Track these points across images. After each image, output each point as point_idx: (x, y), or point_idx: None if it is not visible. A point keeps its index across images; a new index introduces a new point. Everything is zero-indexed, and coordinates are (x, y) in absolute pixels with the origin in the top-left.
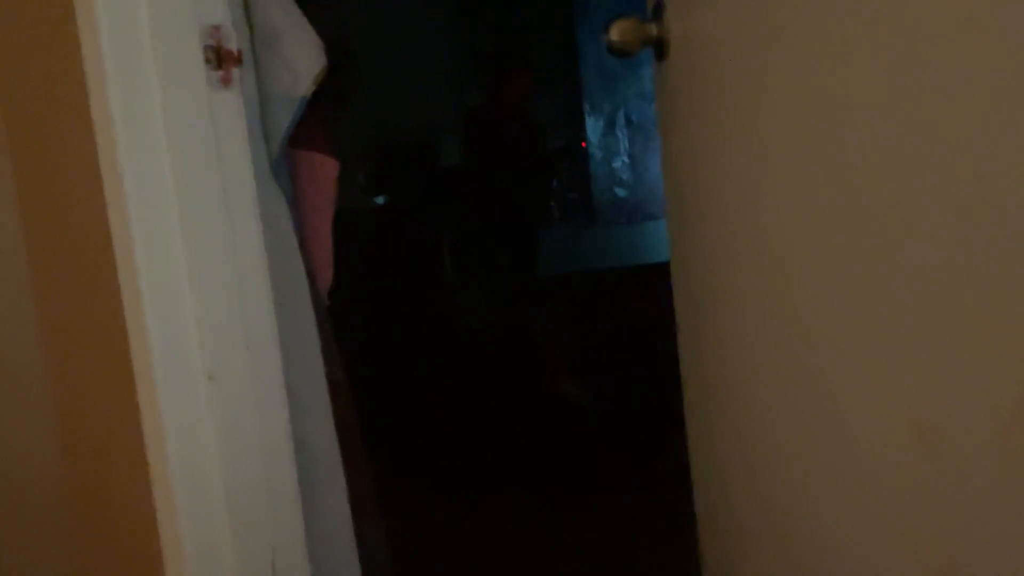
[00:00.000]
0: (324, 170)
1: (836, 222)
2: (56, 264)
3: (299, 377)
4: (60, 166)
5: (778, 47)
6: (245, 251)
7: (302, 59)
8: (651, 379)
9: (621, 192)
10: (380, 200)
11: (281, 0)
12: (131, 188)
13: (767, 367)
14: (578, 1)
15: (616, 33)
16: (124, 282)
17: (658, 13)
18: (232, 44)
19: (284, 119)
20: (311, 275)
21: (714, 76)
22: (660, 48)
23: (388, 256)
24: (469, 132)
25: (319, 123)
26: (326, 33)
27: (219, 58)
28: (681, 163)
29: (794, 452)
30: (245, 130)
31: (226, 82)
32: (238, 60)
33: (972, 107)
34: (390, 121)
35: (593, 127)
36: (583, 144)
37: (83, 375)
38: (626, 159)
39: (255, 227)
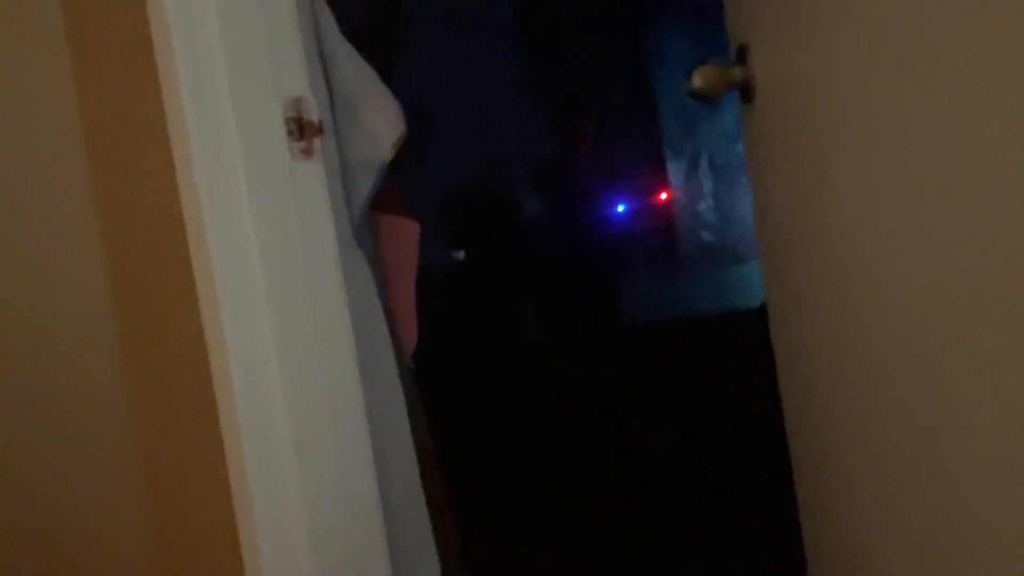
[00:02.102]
0: (405, 232)
1: (955, 265)
2: (145, 337)
3: (386, 444)
4: (148, 238)
5: (878, 84)
6: (330, 319)
7: (382, 125)
8: (747, 434)
9: (707, 236)
10: (460, 256)
11: (359, 66)
12: (216, 260)
13: (882, 435)
14: (651, 43)
15: (699, 80)
16: (212, 353)
17: (742, 56)
18: (313, 115)
19: (365, 185)
20: (396, 338)
21: (808, 117)
22: (746, 92)
23: (471, 314)
24: (543, 185)
25: (398, 185)
26: (403, 94)
27: (301, 129)
28: (776, 208)
29: (919, 532)
30: (327, 199)
31: (308, 153)
32: (319, 131)
33: None
34: (467, 176)
35: (675, 171)
36: (660, 198)
37: (172, 446)
38: (711, 202)
39: (340, 296)
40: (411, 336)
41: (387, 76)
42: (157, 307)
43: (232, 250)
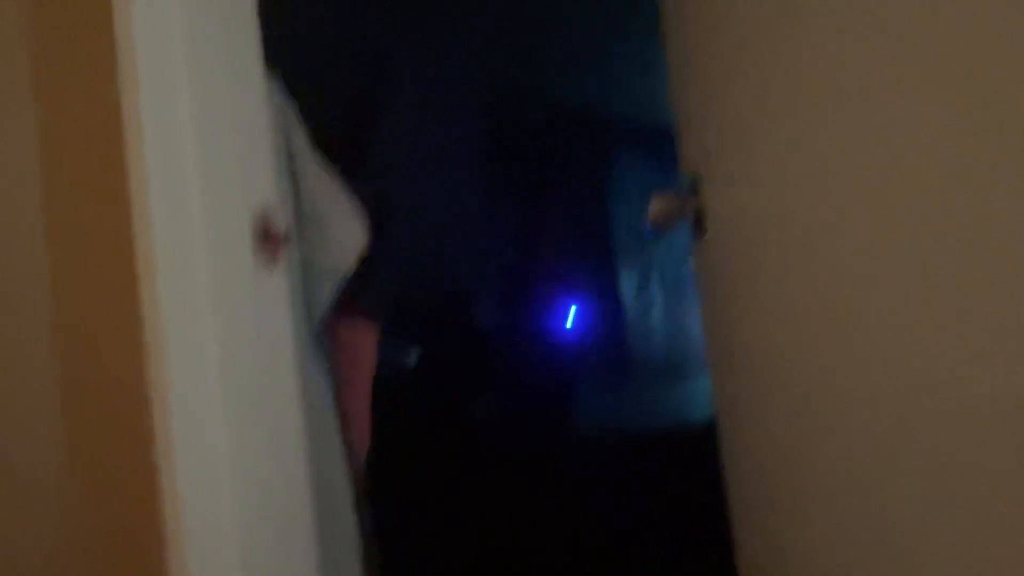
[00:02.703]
0: (363, 338)
1: (881, 388)
2: (95, 443)
3: (335, 551)
4: (108, 338)
5: (824, 220)
6: (284, 430)
7: (345, 238)
8: (700, 556)
9: (658, 351)
10: (413, 359)
11: (326, 180)
12: (175, 363)
13: (835, 552)
14: (609, 164)
15: (656, 209)
16: (163, 467)
17: (694, 188)
18: (280, 226)
19: (326, 293)
20: (348, 443)
21: (756, 249)
22: (698, 221)
23: (423, 417)
24: (499, 293)
25: (358, 292)
26: (367, 197)
27: (267, 239)
28: (725, 339)
29: None
30: (289, 308)
31: (272, 262)
32: (285, 240)
33: None
34: (427, 278)
35: (627, 285)
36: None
37: (112, 556)
38: (662, 316)
39: (294, 403)
40: (363, 438)
41: (353, 176)
42: (111, 409)
43: (191, 353)
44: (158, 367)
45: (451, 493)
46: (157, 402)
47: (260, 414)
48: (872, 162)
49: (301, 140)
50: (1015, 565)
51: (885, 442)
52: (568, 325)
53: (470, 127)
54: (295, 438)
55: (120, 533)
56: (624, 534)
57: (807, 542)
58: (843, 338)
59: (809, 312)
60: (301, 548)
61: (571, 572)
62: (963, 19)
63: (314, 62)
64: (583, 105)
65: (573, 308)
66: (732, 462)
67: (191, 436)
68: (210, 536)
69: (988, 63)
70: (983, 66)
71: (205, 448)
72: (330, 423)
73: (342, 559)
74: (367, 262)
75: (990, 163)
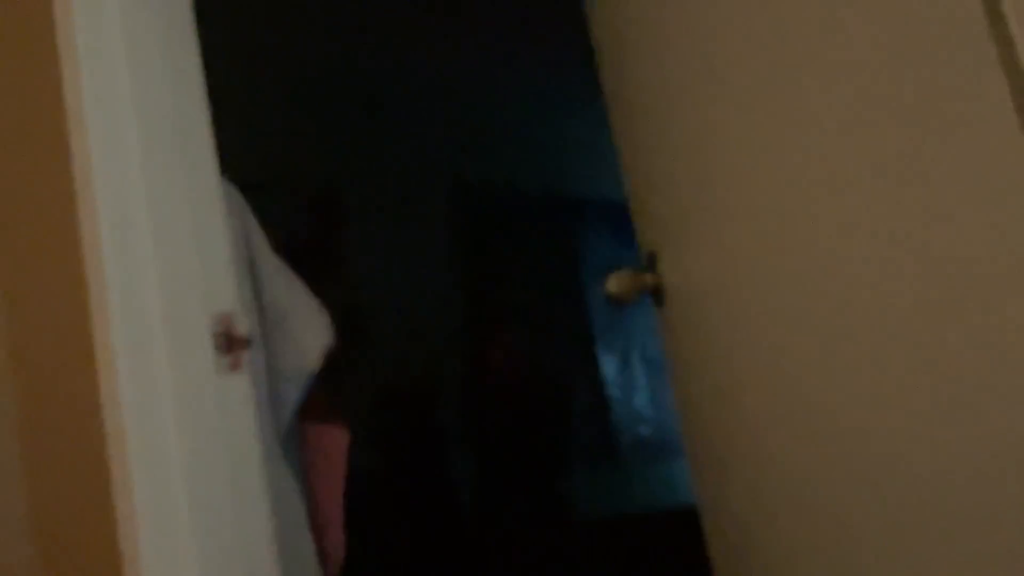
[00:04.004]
0: (334, 440)
1: (849, 451)
2: (61, 549)
3: None
4: (70, 450)
5: (770, 291)
6: (254, 537)
7: (309, 336)
8: None
9: (644, 430)
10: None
11: (288, 280)
12: (139, 477)
13: None
14: (580, 246)
15: (614, 285)
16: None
17: (652, 263)
18: (242, 330)
19: (293, 394)
20: (322, 551)
21: (712, 318)
22: (658, 295)
23: (403, 519)
24: (463, 393)
25: (328, 394)
26: (336, 302)
27: (228, 344)
28: (693, 403)
29: None
30: (253, 412)
31: (235, 367)
32: (246, 344)
33: None
34: (397, 381)
35: (608, 365)
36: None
37: None
38: (646, 395)
39: (263, 510)
40: (338, 545)
41: (322, 283)
42: (75, 523)
43: (155, 464)
44: (123, 480)
45: None
46: (122, 517)
47: (228, 523)
48: (806, 227)
49: (261, 242)
50: None
51: (849, 513)
52: (550, 413)
53: (436, 223)
54: (265, 547)
55: None
56: None
57: None
58: (787, 408)
59: (754, 381)
60: None
61: None
62: (883, 85)
63: (275, 170)
64: (552, 190)
65: (551, 396)
66: (713, 539)
67: (158, 548)
68: None
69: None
70: (908, 136)
71: (174, 563)
72: (302, 530)
73: None
74: (336, 363)
75: (932, 231)
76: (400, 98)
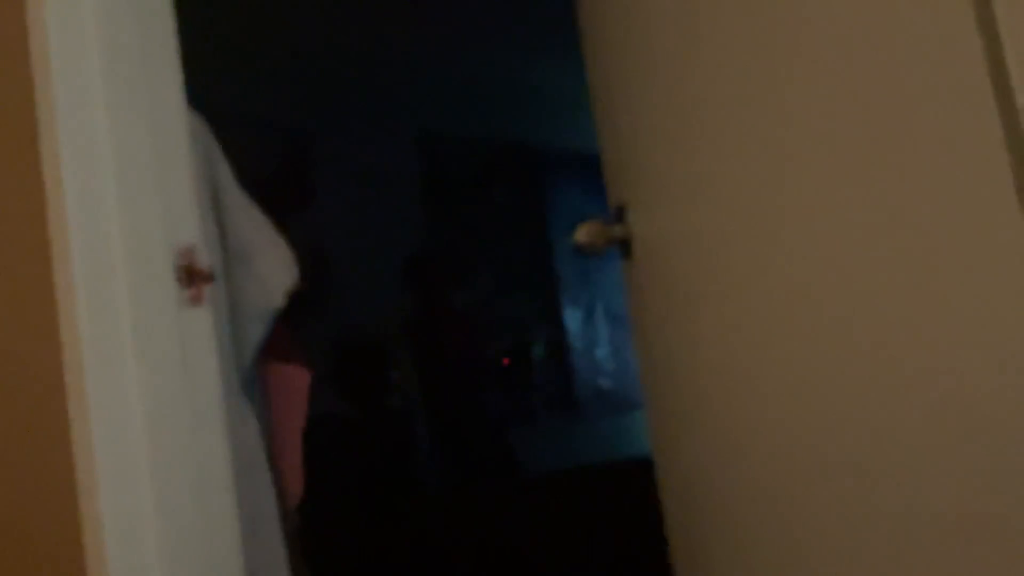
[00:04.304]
0: (295, 381)
1: (809, 402)
2: (14, 486)
3: None
4: (24, 380)
5: (737, 244)
6: (211, 471)
7: (273, 273)
8: None
9: (605, 382)
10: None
11: (253, 215)
12: (96, 407)
13: (760, 562)
14: (548, 197)
15: (583, 235)
16: (85, 510)
17: (620, 215)
18: (203, 263)
19: (256, 332)
20: (280, 490)
21: (678, 270)
22: (626, 247)
23: (359, 466)
24: (413, 338)
25: (290, 333)
26: (300, 242)
27: (190, 277)
28: (654, 354)
29: None
30: (215, 347)
31: (196, 300)
32: (209, 278)
33: None
34: (363, 328)
35: (572, 318)
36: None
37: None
38: (608, 348)
39: (222, 446)
40: (297, 485)
41: (288, 225)
42: (29, 452)
43: (113, 396)
44: (80, 410)
45: (390, 538)
46: (80, 448)
47: (186, 457)
48: (780, 187)
49: (227, 176)
50: None
51: (805, 467)
52: (509, 366)
53: (404, 169)
54: (223, 482)
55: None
56: (572, 569)
57: (736, 561)
58: (751, 358)
59: (717, 337)
60: None
61: None
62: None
63: (244, 106)
64: (520, 141)
65: (515, 347)
66: (666, 490)
67: (115, 482)
68: None
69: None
70: (888, 92)
71: (130, 493)
72: (261, 467)
73: None
74: (299, 302)
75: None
76: (370, 48)
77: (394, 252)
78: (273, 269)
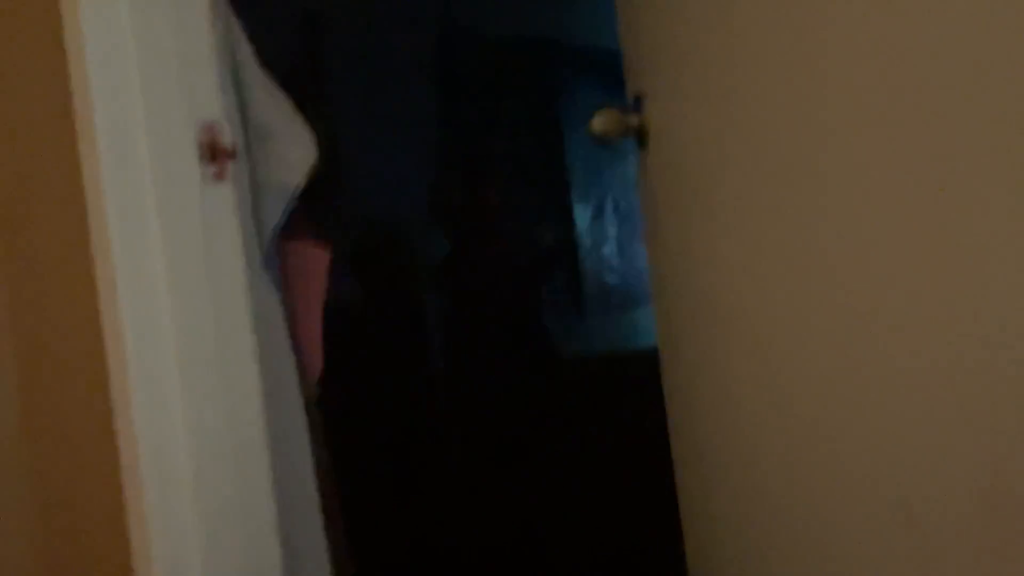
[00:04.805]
0: (314, 260)
1: (826, 299)
2: (43, 356)
3: (287, 472)
4: (51, 255)
5: (758, 134)
6: (235, 347)
7: (294, 151)
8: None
9: (612, 279)
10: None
11: (274, 94)
12: (122, 279)
13: (759, 455)
14: (561, 92)
15: (599, 124)
16: (114, 378)
17: (638, 105)
18: (226, 140)
19: (276, 210)
20: (300, 365)
21: (695, 161)
22: (641, 137)
23: (376, 347)
24: (451, 227)
25: (310, 214)
26: (316, 125)
27: (213, 153)
28: (665, 247)
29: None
30: (237, 224)
31: (219, 176)
32: (232, 155)
33: None
34: (373, 210)
35: (581, 215)
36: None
37: (67, 465)
38: (615, 246)
39: (245, 322)
40: (316, 362)
41: (302, 112)
42: (58, 324)
43: (138, 270)
44: (107, 290)
45: (405, 422)
46: (107, 318)
47: (210, 329)
48: (805, 91)
49: (247, 53)
50: None
51: (806, 360)
52: (523, 258)
53: (419, 60)
54: (247, 354)
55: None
56: (576, 462)
57: (737, 462)
58: (765, 254)
59: (736, 228)
60: (255, 472)
61: (522, 499)
62: None
63: None
64: (534, 34)
65: (526, 240)
66: (670, 381)
67: (142, 350)
68: (163, 456)
69: None
70: None
71: (156, 362)
72: (283, 345)
73: (296, 484)
74: (319, 182)
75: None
76: None
77: (409, 142)
78: (293, 148)
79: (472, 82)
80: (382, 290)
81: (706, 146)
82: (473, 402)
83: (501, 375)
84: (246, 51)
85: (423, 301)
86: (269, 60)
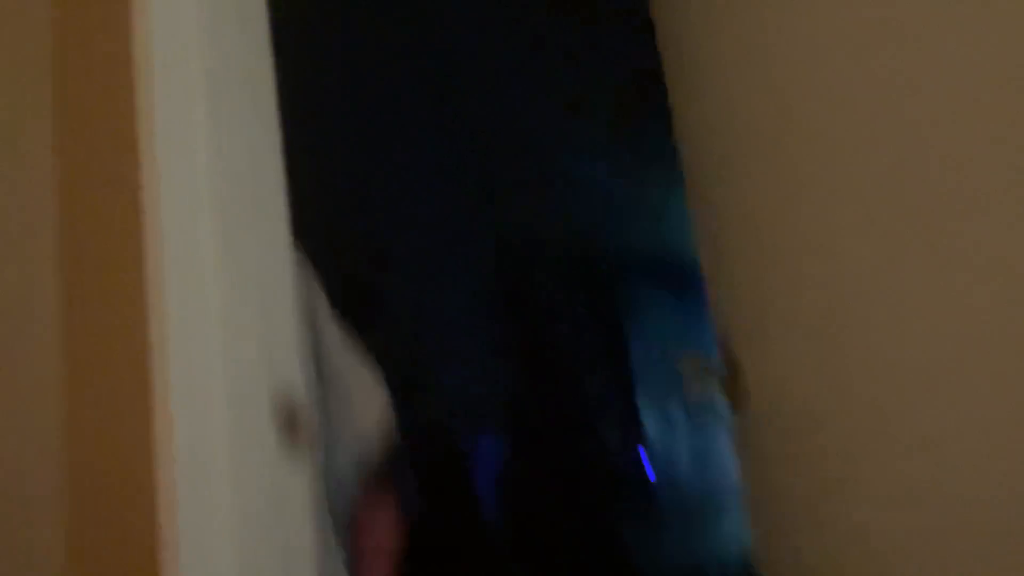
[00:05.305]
0: (386, 536)
1: None
2: None
3: None
4: (119, 531)
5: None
6: None
7: (370, 420)
8: None
9: (685, 484)
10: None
11: (350, 355)
12: (187, 552)
13: None
14: (622, 298)
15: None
16: None
17: (733, 369)
18: (304, 407)
19: (350, 483)
20: None
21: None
22: (733, 393)
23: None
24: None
25: (379, 473)
26: (379, 349)
27: (290, 421)
28: (766, 498)
29: None
30: (310, 495)
31: (295, 447)
32: (308, 423)
33: None
34: (438, 431)
35: (650, 419)
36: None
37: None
38: (688, 451)
39: None
40: None
41: (367, 329)
42: None
43: (207, 545)
44: (172, 560)
45: None
46: None
47: None
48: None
49: (324, 311)
50: None
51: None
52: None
53: (484, 275)
54: None
55: None
56: None
57: None
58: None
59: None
60: None
61: None
62: None
63: (329, 214)
64: (594, 242)
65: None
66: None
67: None
68: None
69: None
70: None
71: None
72: None
73: None
74: (389, 444)
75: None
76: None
77: (474, 355)
78: (370, 416)
79: (535, 291)
80: (446, 505)
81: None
82: None
83: None
84: (324, 310)
85: (486, 515)
86: (337, 289)
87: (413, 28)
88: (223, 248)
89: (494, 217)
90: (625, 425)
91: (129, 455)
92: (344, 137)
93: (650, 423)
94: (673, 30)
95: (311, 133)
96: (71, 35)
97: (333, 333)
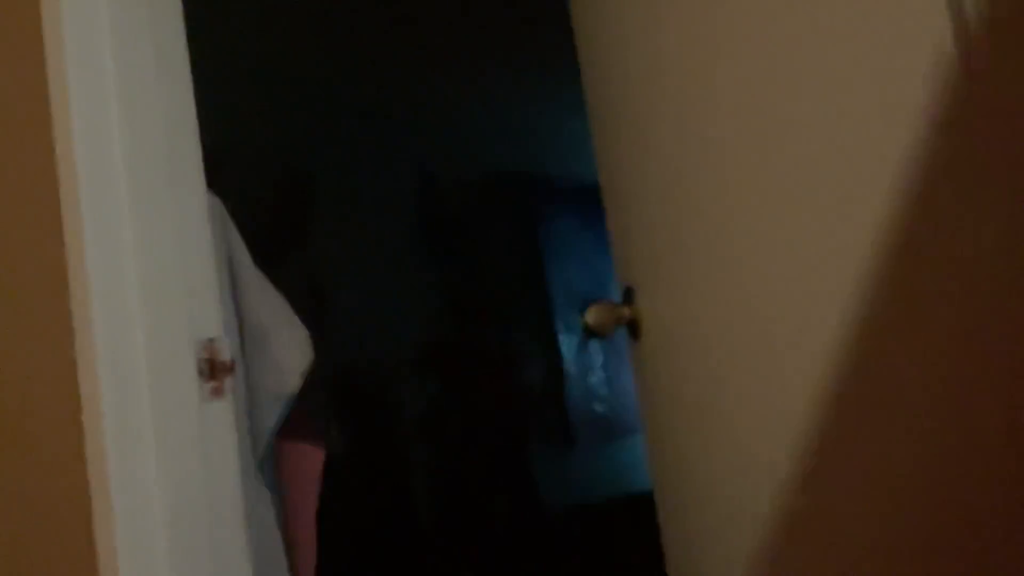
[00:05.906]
0: (309, 460)
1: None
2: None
3: None
4: (49, 482)
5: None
6: (230, 560)
7: (289, 357)
8: None
9: (599, 408)
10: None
11: (269, 296)
12: (119, 503)
13: None
14: (541, 226)
15: (592, 317)
16: None
17: (629, 297)
18: (225, 355)
19: (272, 417)
20: (294, 564)
21: (685, 353)
22: (633, 329)
23: (361, 498)
24: (436, 371)
25: (302, 409)
26: (301, 279)
27: (212, 369)
28: (663, 432)
29: None
30: (234, 438)
31: (217, 392)
32: (231, 370)
33: None
34: (357, 362)
35: (567, 345)
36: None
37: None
38: (602, 374)
39: (240, 535)
40: (311, 560)
41: (287, 258)
42: (56, 553)
43: (134, 488)
44: (103, 508)
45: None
46: (102, 548)
47: (206, 551)
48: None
49: (243, 257)
50: None
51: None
52: (510, 395)
53: (401, 200)
54: (242, 569)
55: None
56: None
57: None
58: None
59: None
60: None
61: None
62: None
63: (247, 150)
64: (513, 169)
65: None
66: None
67: (137, 567)
68: None
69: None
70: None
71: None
72: (278, 554)
73: None
74: (311, 379)
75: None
76: (371, 82)
77: (394, 285)
78: (289, 352)
79: (451, 216)
80: (367, 440)
81: (694, 337)
82: (461, 551)
83: (487, 523)
84: (241, 252)
85: (408, 450)
86: (251, 210)
87: None
88: (138, 200)
89: (415, 151)
90: (546, 356)
91: (55, 410)
92: (260, 76)
93: (568, 354)
94: None
95: (225, 75)
96: None
97: (253, 278)
